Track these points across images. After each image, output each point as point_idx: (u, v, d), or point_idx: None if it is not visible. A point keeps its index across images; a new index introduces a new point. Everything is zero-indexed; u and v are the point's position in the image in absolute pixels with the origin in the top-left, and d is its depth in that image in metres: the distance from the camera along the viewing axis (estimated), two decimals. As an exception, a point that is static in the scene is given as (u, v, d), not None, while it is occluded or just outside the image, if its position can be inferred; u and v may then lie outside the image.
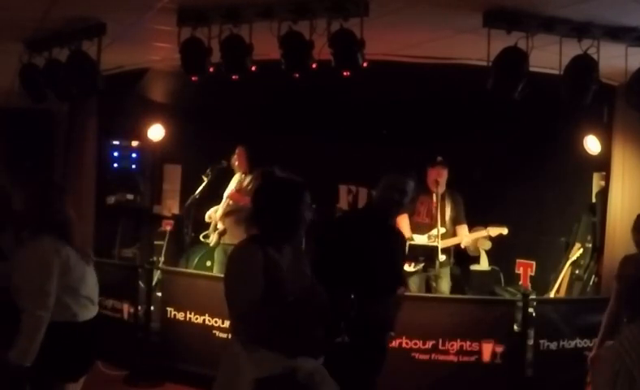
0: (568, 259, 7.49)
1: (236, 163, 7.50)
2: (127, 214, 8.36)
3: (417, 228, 6.82)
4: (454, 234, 6.77)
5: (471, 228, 6.82)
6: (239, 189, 7.35)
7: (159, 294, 6.56)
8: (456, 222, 6.80)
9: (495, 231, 6.74)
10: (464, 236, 6.72)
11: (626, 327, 2.47)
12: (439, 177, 6.65)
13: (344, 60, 4.79)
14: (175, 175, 9.13)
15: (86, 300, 3.87)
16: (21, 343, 3.54)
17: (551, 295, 7.25)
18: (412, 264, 6.76)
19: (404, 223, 6.93)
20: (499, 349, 5.62)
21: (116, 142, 8.33)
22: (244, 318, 3.11)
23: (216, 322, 6.09)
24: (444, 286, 6.74)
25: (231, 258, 3.29)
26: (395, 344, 5.58)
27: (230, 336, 3.32)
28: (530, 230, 8.11)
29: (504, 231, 6.71)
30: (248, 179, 7.34)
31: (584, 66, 4.77)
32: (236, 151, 7.49)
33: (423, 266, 6.61)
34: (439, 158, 6.75)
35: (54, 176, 7.23)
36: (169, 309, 6.39)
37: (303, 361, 3.13)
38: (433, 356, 5.64)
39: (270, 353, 3.07)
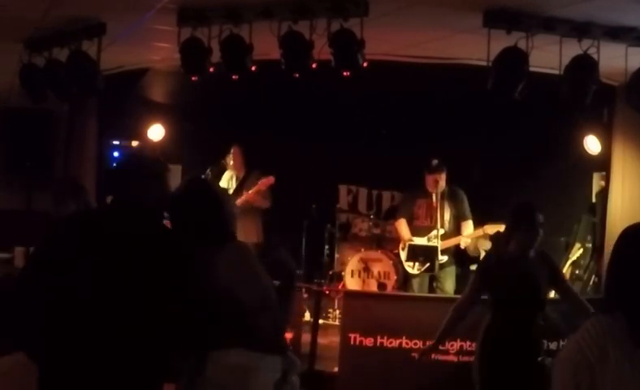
0: (568, 259, 7.48)
1: (231, 163, 7.49)
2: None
3: (417, 232, 6.81)
4: (456, 233, 6.73)
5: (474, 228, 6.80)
6: (240, 189, 7.36)
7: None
8: (459, 219, 6.76)
9: (492, 228, 6.70)
10: (463, 237, 6.68)
11: (587, 319, 2.29)
12: (438, 179, 6.64)
13: (344, 60, 4.79)
14: (175, 175, 9.11)
15: None
16: None
17: (551, 295, 7.25)
18: (414, 265, 6.76)
19: (402, 227, 6.93)
20: (500, 349, 5.61)
21: (116, 142, 8.32)
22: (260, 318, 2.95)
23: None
24: (449, 286, 6.72)
25: (252, 256, 3.14)
26: (395, 344, 5.59)
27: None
28: (530, 230, 8.10)
29: (502, 228, 6.66)
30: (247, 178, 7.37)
31: (584, 66, 4.77)
32: (232, 151, 7.49)
33: (427, 267, 6.60)
34: (435, 162, 6.71)
35: (54, 176, 7.24)
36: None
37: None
38: (433, 356, 5.63)
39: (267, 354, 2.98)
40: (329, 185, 9.49)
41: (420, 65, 6.28)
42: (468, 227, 6.72)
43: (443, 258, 6.60)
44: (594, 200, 7.58)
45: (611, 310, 2.13)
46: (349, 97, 7.49)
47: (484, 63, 4.88)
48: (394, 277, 7.49)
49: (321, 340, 6.27)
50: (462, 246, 6.75)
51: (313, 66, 4.90)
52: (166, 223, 2.97)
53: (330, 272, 8.43)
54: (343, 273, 7.91)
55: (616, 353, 2.05)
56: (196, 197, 3.08)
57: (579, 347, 2.11)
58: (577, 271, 7.31)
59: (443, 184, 6.68)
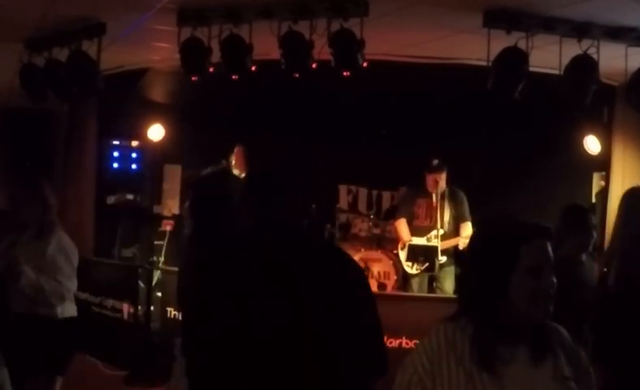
0: (568, 259, 7.46)
1: (234, 163, 7.52)
2: (127, 214, 8.35)
3: (417, 231, 6.80)
4: (456, 233, 6.72)
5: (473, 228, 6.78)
6: None
7: (159, 294, 6.55)
8: (458, 220, 6.75)
9: None
10: (462, 239, 6.66)
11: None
12: (439, 179, 6.63)
13: (344, 60, 4.79)
14: (175, 175, 9.12)
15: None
16: None
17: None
18: (414, 265, 6.75)
19: (402, 227, 6.92)
20: (499, 349, 5.61)
21: (116, 142, 8.32)
22: None
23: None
24: (448, 286, 6.70)
25: None
26: (395, 344, 5.58)
27: None
28: (530, 230, 8.09)
29: None
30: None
31: (584, 66, 4.77)
32: (235, 151, 7.52)
33: (426, 267, 6.59)
34: (435, 162, 6.70)
35: (54, 176, 7.24)
36: (169, 309, 6.39)
37: None
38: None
39: None
40: (329, 185, 9.47)
41: (420, 65, 6.28)
42: (467, 228, 6.70)
43: (442, 259, 6.59)
44: (594, 200, 7.57)
45: (458, 318, 1.96)
46: (349, 97, 7.48)
47: (484, 63, 4.88)
48: (394, 277, 7.48)
49: (321, 340, 6.27)
50: (461, 248, 6.73)
51: (313, 66, 4.90)
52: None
53: (330, 272, 8.42)
54: (343, 273, 7.90)
55: (450, 367, 1.89)
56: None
57: (412, 359, 1.96)
58: (577, 271, 7.30)
59: (443, 184, 6.67)
